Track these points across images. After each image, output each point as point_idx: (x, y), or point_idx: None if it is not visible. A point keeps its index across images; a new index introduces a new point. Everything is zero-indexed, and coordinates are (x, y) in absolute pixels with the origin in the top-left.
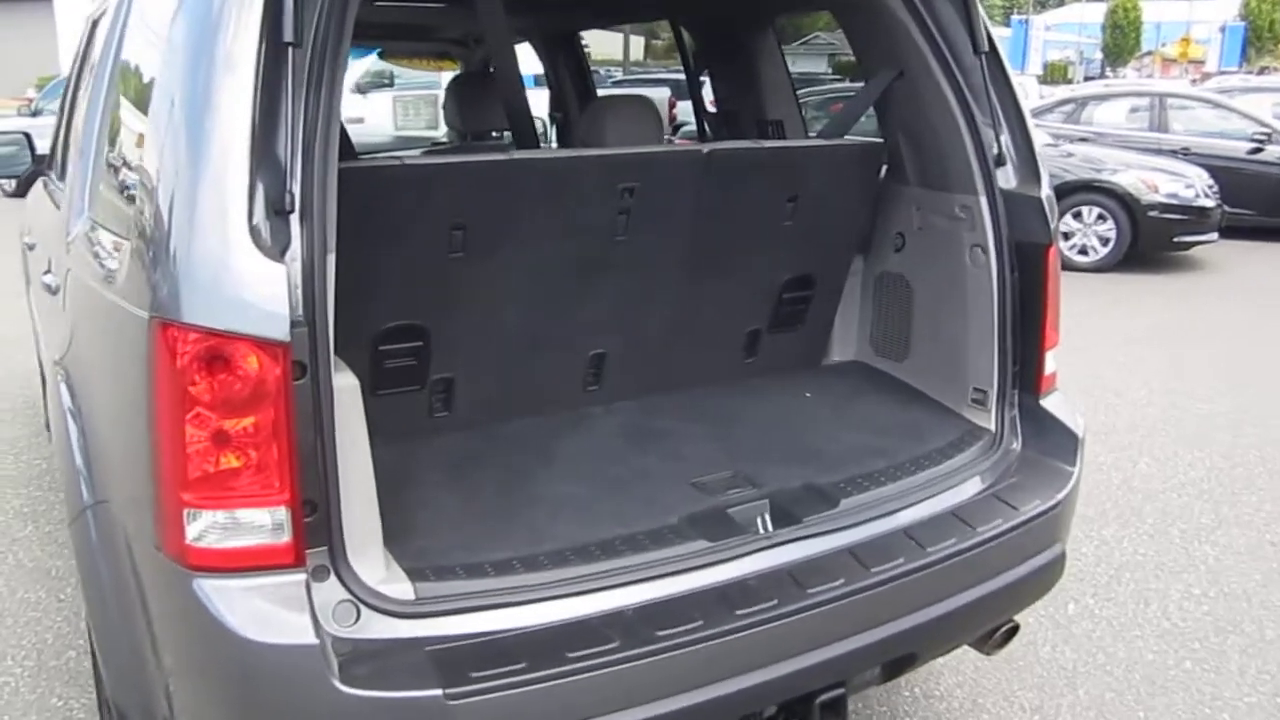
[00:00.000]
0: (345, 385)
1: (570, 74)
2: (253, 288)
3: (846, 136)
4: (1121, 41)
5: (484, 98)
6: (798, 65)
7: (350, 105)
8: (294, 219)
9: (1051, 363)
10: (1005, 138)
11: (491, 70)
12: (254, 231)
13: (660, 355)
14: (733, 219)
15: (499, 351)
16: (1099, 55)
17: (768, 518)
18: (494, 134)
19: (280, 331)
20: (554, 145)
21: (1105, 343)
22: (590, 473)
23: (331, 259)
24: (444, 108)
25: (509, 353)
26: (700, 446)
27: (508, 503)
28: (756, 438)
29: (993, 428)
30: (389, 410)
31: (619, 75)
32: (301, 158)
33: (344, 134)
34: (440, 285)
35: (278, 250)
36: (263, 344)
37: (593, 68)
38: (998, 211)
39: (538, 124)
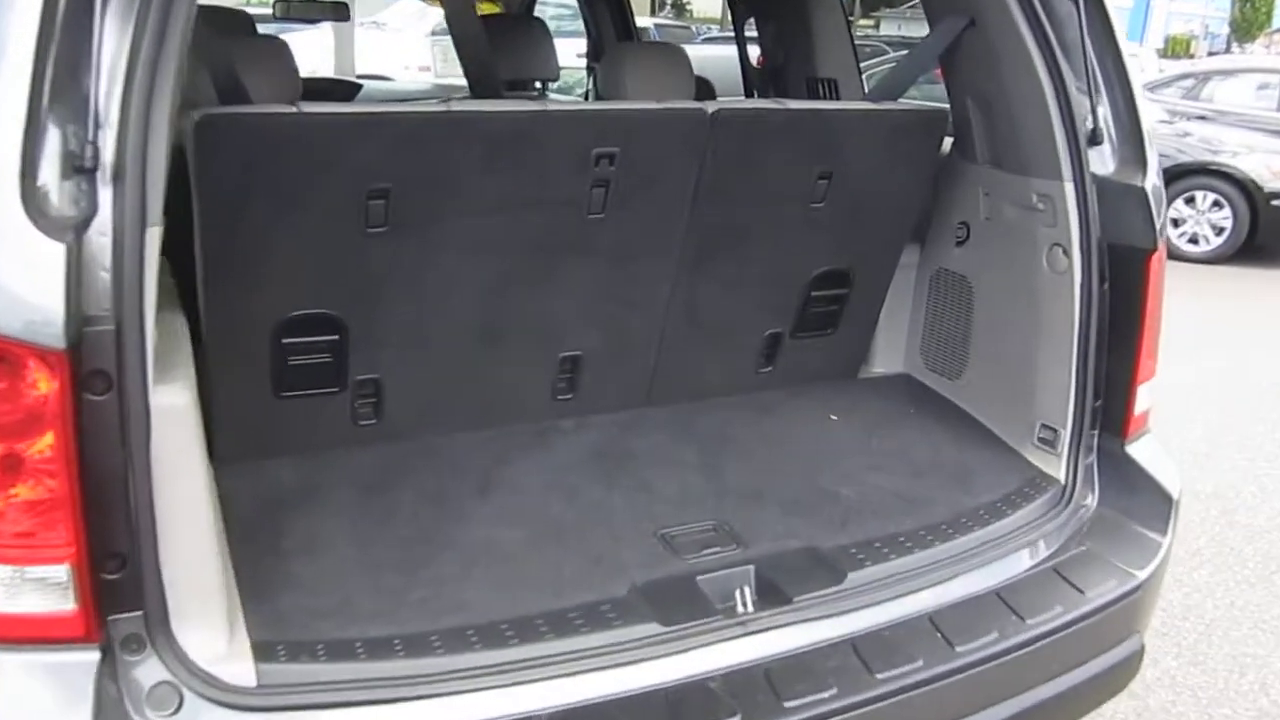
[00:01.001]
0: (170, 405)
1: (610, 17)
2: (18, 274)
3: (901, 100)
4: (1252, 15)
5: (519, 42)
6: (908, 30)
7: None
8: (101, 180)
9: (1145, 399)
10: (1105, 109)
11: (530, 11)
12: (31, 195)
13: (650, 360)
14: (746, 198)
15: (440, 349)
16: (1225, 30)
17: (749, 592)
18: (536, 85)
19: (50, 335)
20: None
21: (1211, 345)
22: (534, 511)
23: (155, 234)
24: None
25: (453, 351)
26: (683, 480)
27: (415, 551)
28: (757, 472)
29: (1062, 477)
30: (298, 416)
31: (715, 31)
32: (120, 99)
33: (236, 77)
34: (358, 267)
35: (72, 221)
36: (34, 350)
37: (690, 25)
38: (1087, 203)
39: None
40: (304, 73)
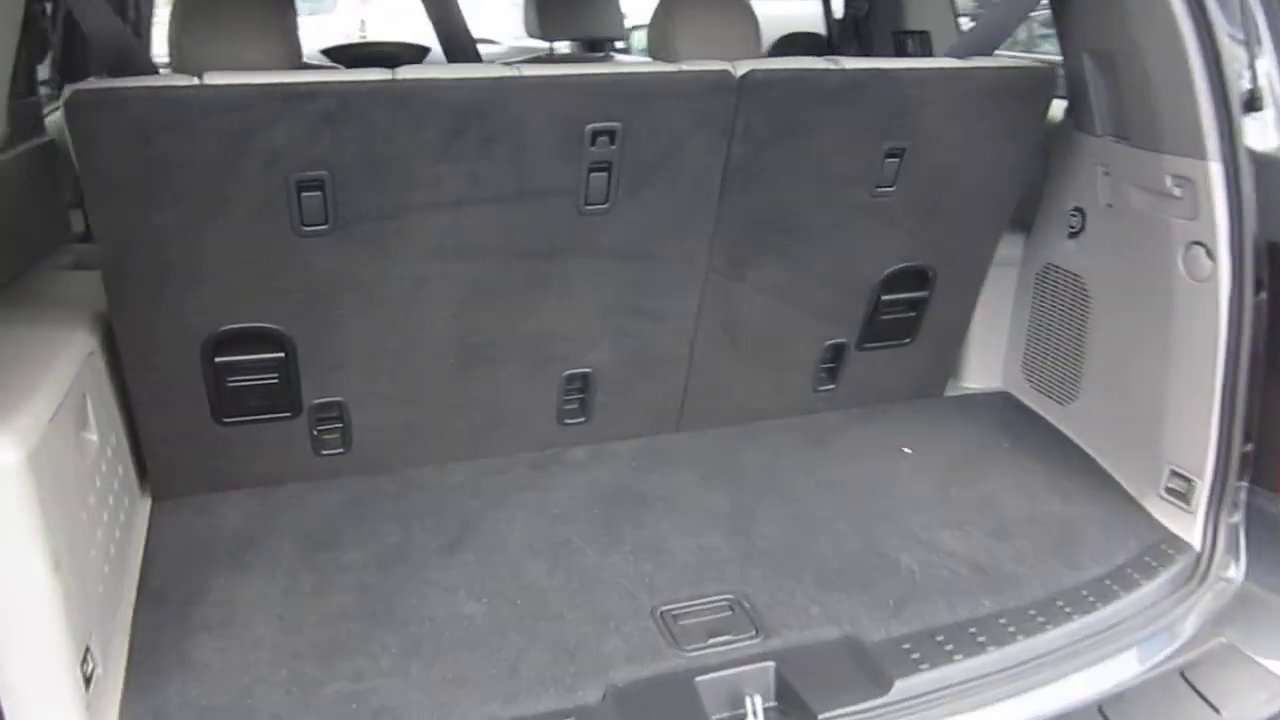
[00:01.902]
0: None
1: None
2: None
3: (999, 54)
4: None
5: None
6: None
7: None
8: None
9: None
10: (1269, 63)
11: None
12: None
13: (679, 380)
14: (792, 183)
15: (416, 369)
16: None
17: (760, 703)
18: (615, 45)
19: None
20: None
21: None
22: (506, 577)
23: None
24: (524, 12)
25: (432, 370)
26: (701, 537)
27: (347, 631)
28: (797, 526)
29: (1196, 542)
30: (248, 445)
31: None
32: None
33: (132, 43)
34: (297, 274)
35: None
36: None
37: None
38: (1240, 189)
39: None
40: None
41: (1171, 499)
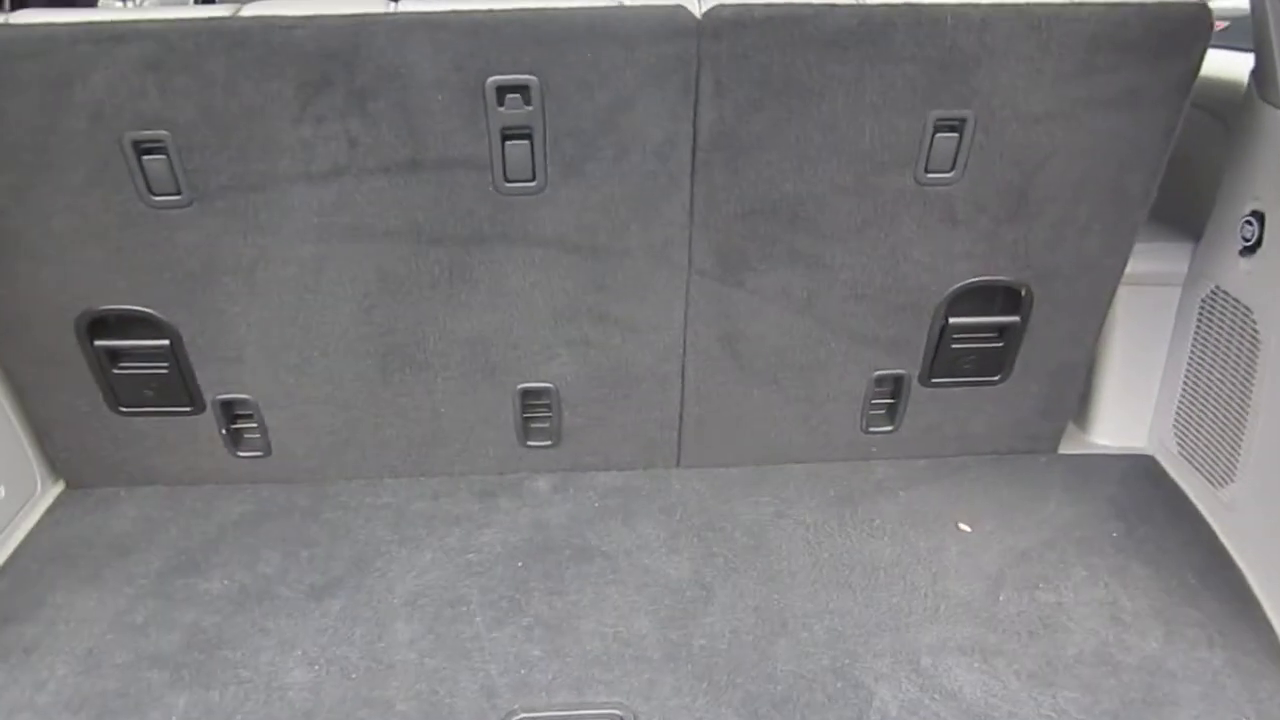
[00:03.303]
0: None
1: None
2: None
3: None
4: None
5: None
6: None
7: None
8: None
9: None
10: None
11: None
12: None
13: (672, 403)
14: (795, 160)
15: (332, 370)
16: None
17: None
18: None
19: None
20: None
21: None
22: (359, 640)
23: None
24: None
25: (353, 373)
26: (630, 615)
27: (139, 683)
28: (757, 619)
29: None
30: (147, 437)
31: None
32: None
33: None
34: (155, 252)
35: None
36: None
37: None
38: None
39: None
40: None
41: None
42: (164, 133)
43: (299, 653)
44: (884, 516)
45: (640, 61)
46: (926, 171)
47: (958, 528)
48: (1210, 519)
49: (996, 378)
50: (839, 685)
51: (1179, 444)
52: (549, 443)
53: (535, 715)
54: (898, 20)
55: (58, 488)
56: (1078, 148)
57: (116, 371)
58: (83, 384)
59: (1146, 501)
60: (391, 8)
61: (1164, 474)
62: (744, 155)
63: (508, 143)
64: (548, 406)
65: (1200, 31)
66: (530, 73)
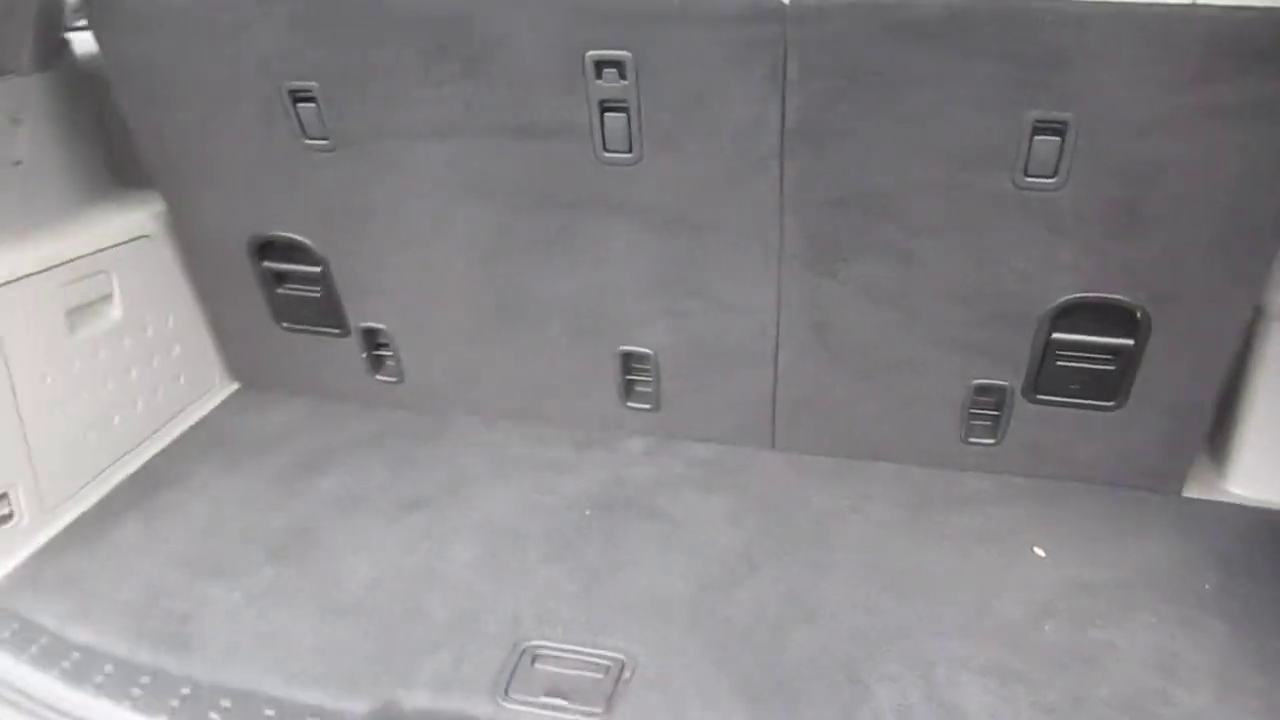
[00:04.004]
0: None
1: None
2: None
3: None
4: None
5: None
6: None
7: None
8: None
9: None
10: None
11: None
12: None
13: (765, 384)
14: (886, 152)
15: (454, 310)
16: None
17: None
18: None
19: None
20: None
21: None
22: (421, 553)
23: None
24: None
25: (472, 315)
26: (669, 573)
27: (238, 552)
28: (784, 603)
29: None
30: (305, 353)
31: None
32: None
33: None
34: (310, 188)
35: None
36: None
37: None
38: None
39: None
40: None
41: None
42: (313, 84)
43: (369, 553)
44: (957, 527)
45: (728, 43)
46: (1026, 175)
47: (1032, 551)
48: None
49: (1111, 403)
50: (840, 679)
51: None
52: (649, 406)
53: (544, 645)
54: (985, 12)
55: (232, 387)
56: (1196, 161)
57: (280, 291)
58: (254, 299)
59: (1261, 560)
60: None
61: None
62: (831, 142)
63: (606, 114)
64: (648, 371)
65: None
66: (625, 48)
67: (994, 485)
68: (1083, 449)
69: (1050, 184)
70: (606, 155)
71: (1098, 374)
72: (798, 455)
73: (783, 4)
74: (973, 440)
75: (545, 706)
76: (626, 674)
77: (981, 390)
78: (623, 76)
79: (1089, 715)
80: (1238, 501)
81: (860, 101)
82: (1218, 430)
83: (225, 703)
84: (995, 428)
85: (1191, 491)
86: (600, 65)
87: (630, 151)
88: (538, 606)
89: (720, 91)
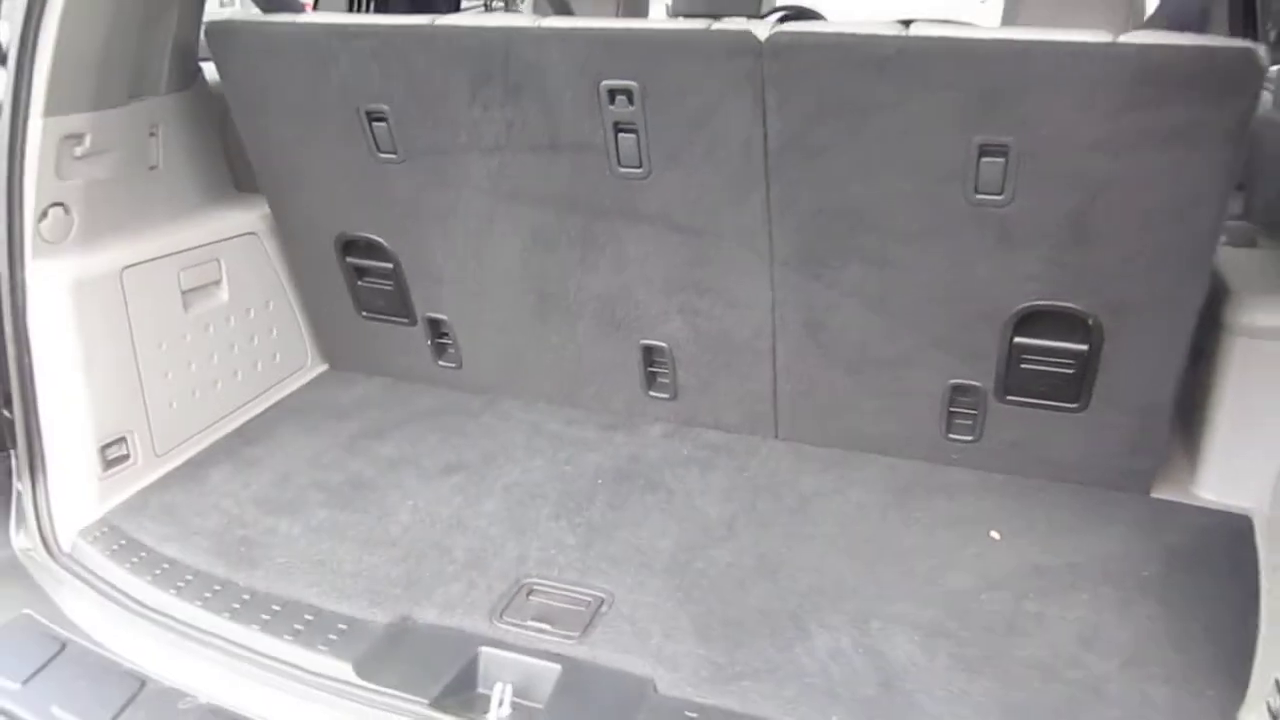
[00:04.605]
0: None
1: None
2: None
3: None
4: None
5: None
6: None
7: None
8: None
9: None
10: None
11: None
12: None
13: (765, 380)
14: (858, 168)
15: (500, 304)
16: None
17: (507, 694)
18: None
19: None
20: None
21: None
22: (456, 505)
23: (38, 125)
24: None
25: (515, 308)
26: (660, 534)
27: (303, 496)
28: (755, 563)
29: None
30: (380, 339)
31: None
32: (5, 6)
33: None
34: (381, 194)
35: None
36: None
37: None
38: None
39: None
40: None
41: None
42: (385, 106)
43: (411, 504)
44: (927, 513)
45: (717, 74)
46: (977, 192)
47: (990, 535)
48: (1265, 587)
49: (1075, 405)
50: (785, 624)
51: (1275, 508)
52: (667, 395)
53: (540, 582)
54: (934, 51)
55: (321, 367)
56: (1134, 180)
57: (361, 284)
58: (339, 290)
59: (1205, 554)
60: (534, 22)
61: (1248, 535)
62: (810, 160)
63: (619, 134)
64: (666, 363)
65: (1249, 75)
66: (633, 79)
67: (972, 478)
68: (1054, 448)
69: (999, 200)
70: (620, 170)
71: (1060, 376)
72: (798, 445)
73: (760, 41)
74: (953, 436)
75: (530, 629)
76: (604, 609)
77: (959, 389)
78: (631, 102)
79: (999, 669)
80: (1203, 504)
81: (832, 125)
82: (1189, 437)
83: (275, 607)
84: (975, 425)
85: (1161, 493)
86: (613, 92)
87: (640, 167)
88: (541, 553)
89: (713, 116)
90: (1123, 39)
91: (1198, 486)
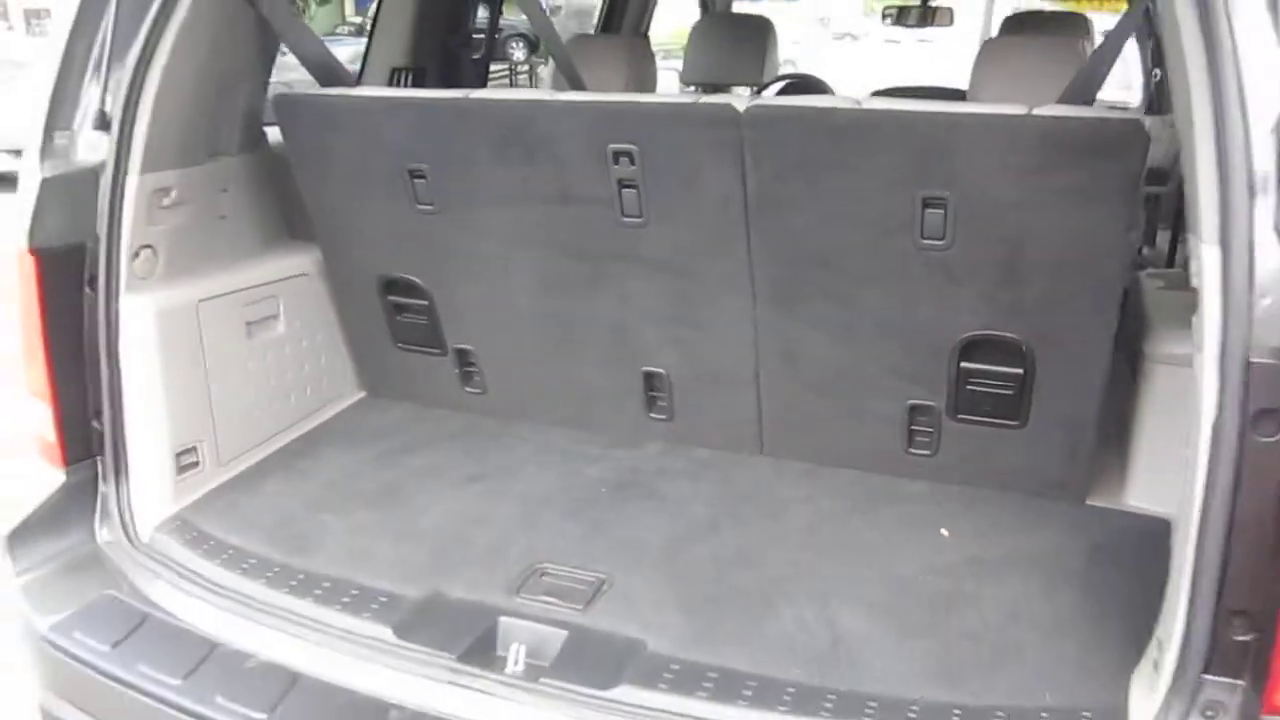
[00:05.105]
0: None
1: None
2: (24, 199)
3: (1073, 107)
4: None
5: (723, 45)
6: None
7: None
8: (104, 134)
9: None
10: None
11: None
12: (48, 145)
13: (750, 401)
14: (818, 221)
15: (520, 336)
16: None
17: (521, 654)
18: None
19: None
20: None
21: None
22: (480, 510)
23: (135, 180)
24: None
25: (534, 341)
26: (652, 529)
27: (340, 506)
28: (735, 558)
29: None
30: (413, 368)
31: None
32: (110, 75)
33: (326, 58)
34: (418, 240)
35: (84, 165)
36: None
37: None
38: (1231, 290)
39: None
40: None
41: (1146, 672)
42: (425, 165)
43: (438, 508)
44: (886, 517)
45: (703, 140)
46: (922, 238)
47: (940, 532)
48: (1172, 577)
49: (1015, 422)
50: (757, 602)
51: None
52: (665, 417)
53: (550, 567)
54: (881, 121)
55: (360, 394)
56: (1048, 230)
57: (399, 319)
58: (379, 325)
59: (1127, 550)
60: (552, 96)
61: (1165, 536)
62: (782, 212)
63: (623, 190)
64: (663, 389)
65: (1136, 143)
66: (634, 143)
67: (928, 488)
68: (1000, 461)
69: (941, 245)
70: (624, 220)
71: (1001, 397)
72: (779, 460)
73: (739, 113)
74: (913, 451)
75: (541, 602)
76: (604, 588)
77: (916, 409)
78: (633, 163)
79: (936, 636)
80: (1130, 510)
81: (800, 183)
82: (1123, 452)
83: (325, 584)
84: (931, 442)
85: (1095, 500)
86: (617, 154)
87: (641, 217)
88: (550, 545)
89: (701, 175)
90: (1035, 111)
91: (1127, 495)
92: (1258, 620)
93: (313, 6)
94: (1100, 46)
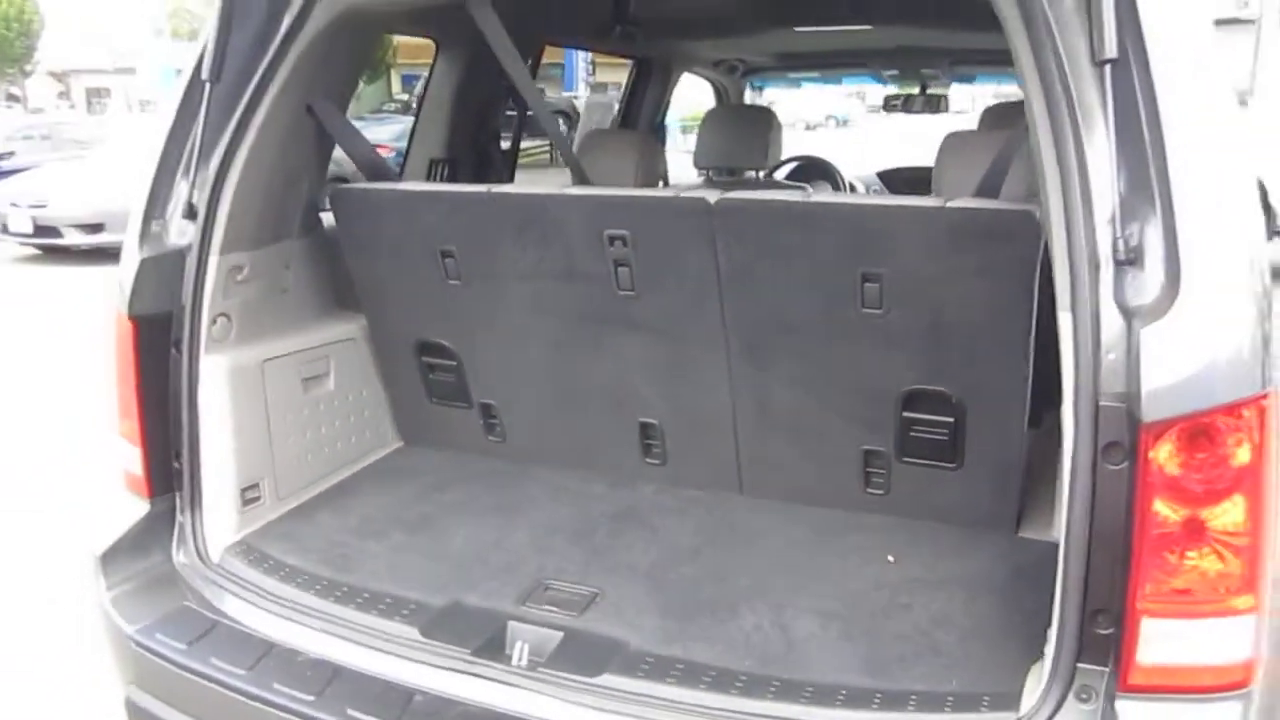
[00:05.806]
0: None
1: None
2: (126, 274)
3: (982, 199)
4: None
5: (736, 133)
6: None
7: None
8: (190, 221)
9: (1174, 640)
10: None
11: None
12: (146, 230)
13: (731, 446)
14: (779, 293)
15: (536, 392)
16: None
17: (524, 652)
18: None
19: (123, 307)
20: None
21: None
22: (497, 533)
23: (215, 260)
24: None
25: (548, 396)
26: (643, 552)
27: (381, 535)
28: (713, 583)
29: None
30: (445, 420)
31: None
32: (198, 174)
33: (372, 156)
34: (449, 309)
35: (174, 247)
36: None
37: None
38: (1080, 347)
39: None
40: None
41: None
42: (454, 246)
43: (462, 535)
44: (843, 545)
45: (683, 227)
46: (863, 308)
47: (887, 559)
48: None
49: (952, 464)
50: (723, 610)
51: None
52: (659, 462)
53: (553, 582)
54: (826, 211)
55: (398, 443)
56: (964, 302)
57: (432, 377)
58: (415, 382)
59: (1041, 572)
60: (560, 190)
61: None
62: (750, 285)
63: (618, 268)
64: (657, 437)
65: (1029, 229)
66: (624, 229)
67: (882, 522)
68: (941, 498)
69: (879, 313)
70: (619, 292)
71: (939, 442)
72: (756, 498)
73: (711, 204)
74: (869, 490)
75: (544, 609)
76: (597, 599)
77: (870, 453)
78: (625, 245)
79: (872, 638)
80: (1057, 541)
81: (763, 261)
82: (1050, 489)
83: (365, 595)
84: (884, 482)
85: (1026, 533)
86: (612, 238)
87: (634, 290)
88: (555, 565)
89: (682, 254)
90: (948, 204)
91: (1054, 529)
92: (1114, 616)
93: (361, 85)
94: (999, 152)
